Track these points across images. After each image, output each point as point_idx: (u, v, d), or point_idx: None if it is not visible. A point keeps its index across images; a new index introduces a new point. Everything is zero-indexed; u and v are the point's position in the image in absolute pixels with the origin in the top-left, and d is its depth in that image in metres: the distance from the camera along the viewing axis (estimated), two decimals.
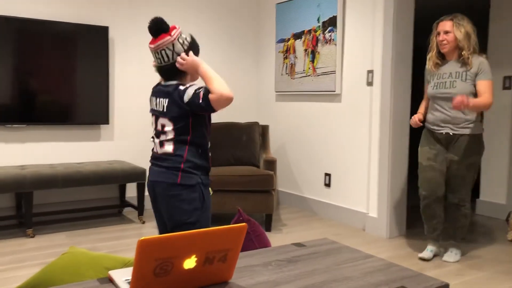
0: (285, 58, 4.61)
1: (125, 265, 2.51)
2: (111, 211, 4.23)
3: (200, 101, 1.83)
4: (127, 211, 4.29)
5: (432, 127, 3.10)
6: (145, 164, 4.38)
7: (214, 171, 3.74)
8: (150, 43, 1.93)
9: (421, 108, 3.23)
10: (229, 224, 3.40)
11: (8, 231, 3.59)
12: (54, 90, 3.85)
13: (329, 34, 4.07)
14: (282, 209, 4.54)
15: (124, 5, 4.21)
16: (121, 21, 4.21)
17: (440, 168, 3.05)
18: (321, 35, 4.15)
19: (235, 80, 4.92)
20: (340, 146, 4.07)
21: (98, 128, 4.17)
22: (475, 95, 2.94)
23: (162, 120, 1.95)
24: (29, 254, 3.09)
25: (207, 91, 1.84)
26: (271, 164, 3.84)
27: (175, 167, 1.92)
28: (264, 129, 4.41)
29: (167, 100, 1.92)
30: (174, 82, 1.94)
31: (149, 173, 2.02)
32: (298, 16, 4.41)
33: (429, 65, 3.11)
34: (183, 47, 1.93)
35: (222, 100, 1.82)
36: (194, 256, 1.22)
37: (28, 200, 3.42)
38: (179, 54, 1.91)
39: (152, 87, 2.03)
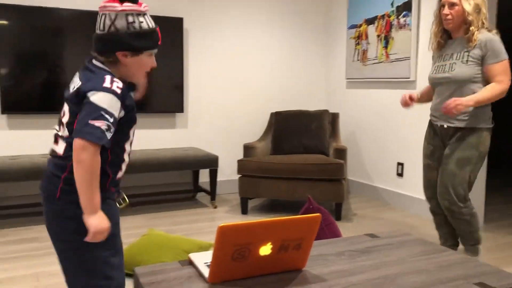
0: (357, 44, 4.52)
1: (200, 248, 2.63)
2: (185, 196, 4.41)
3: (90, 123, 1.36)
4: (200, 196, 4.46)
5: (431, 117, 2.70)
6: (217, 151, 4.52)
7: (282, 159, 3.79)
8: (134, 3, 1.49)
9: (421, 92, 2.83)
10: (299, 212, 3.44)
11: None
12: None
13: (404, 19, 3.93)
14: (352, 198, 4.50)
15: None
16: (195, 12, 4.33)
17: (438, 167, 2.66)
18: (395, 20, 4.02)
19: (305, 67, 4.91)
20: (414, 134, 3.95)
21: (174, 116, 4.35)
22: (484, 81, 2.47)
23: (64, 106, 1.51)
24: None
25: (88, 126, 1.36)
26: (341, 152, 3.81)
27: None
28: (334, 117, 4.37)
29: (79, 83, 1.46)
30: (104, 67, 1.48)
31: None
32: (371, 1, 4.29)
33: (431, 44, 2.67)
34: (128, 28, 1.45)
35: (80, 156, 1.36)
36: (270, 243, 1.26)
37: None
38: (118, 32, 1.45)
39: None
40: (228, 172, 4.59)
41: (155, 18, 4.03)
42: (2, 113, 3.66)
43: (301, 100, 4.89)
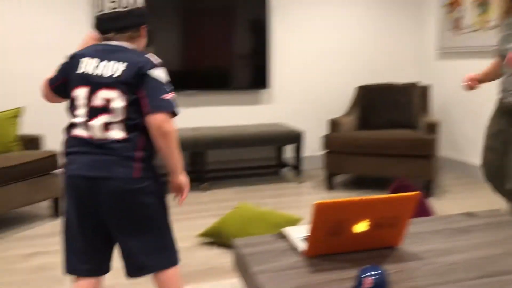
0: (450, 12, 4.25)
1: (288, 222, 2.69)
2: (270, 171, 4.51)
3: (165, 98, 1.49)
4: (285, 171, 4.53)
5: (501, 94, 2.42)
6: (302, 126, 4.54)
7: (368, 135, 3.72)
8: None
9: (484, 71, 2.54)
10: (388, 189, 3.38)
11: None
12: (218, 58, 4.17)
13: None
14: (444, 175, 4.31)
15: None
16: None
17: (502, 149, 2.41)
18: None
19: (393, 38, 4.72)
20: None
21: (258, 92, 4.42)
22: None
23: (105, 93, 1.50)
24: (205, 206, 3.49)
25: (166, 100, 1.50)
26: (432, 127, 3.65)
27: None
28: (425, 90, 4.19)
29: (125, 64, 1.50)
30: (128, 46, 1.56)
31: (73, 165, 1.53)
32: None
33: (499, 11, 2.38)
34: (144, 3, 1.60)
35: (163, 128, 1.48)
36: (365, 220, 1.28)
37: (202, 159, 3.84)
38: (142, 8, 1.58)
39: (76, 51, 1.59)
40: (313, 147, 4.60)
41: None
42: None
43: (388, 73, 4.73)
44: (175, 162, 1.56)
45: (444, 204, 3.44)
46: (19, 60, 3.79)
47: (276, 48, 4.40)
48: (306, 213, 3.26)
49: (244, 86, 4.30)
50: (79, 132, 1.53)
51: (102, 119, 1.50)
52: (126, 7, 1.55)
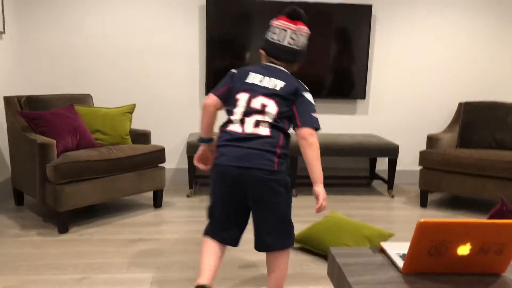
0: None
1: (380, 235, 2.69)
2: (361, 182, 4.48)
3: (313, 116, 1.90)
4: (376, 183, 4.47)
5: None
6: (398, 139, 4.45)
7: (472, 153, 3.57)
8: (287, 21, 2.00)
9: None
10: (488, 213, 3.22)
11: None
12: (317, 67, 4.23)
13: None
14: None
15: None
16: (384, 0, 4.29)
17: None
18: None
19: (500, 55, 4.46)
20: None
21: (355, 103, 4.41)
22: None
23: (263, 99, 1.90)
24: (293, 212, 3.57)
25: (314, 117, 1.91)
26: None
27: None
28: None
29: (284, 83, 1.93)
30: (286, 71, 2.00)
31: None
32: None
33: None
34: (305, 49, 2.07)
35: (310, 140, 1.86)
36: (469, 243, 1.27)
37: (292, 164, 3.92)
38: (304, 49, 2.04)
39: (241, 67, 2.03)
40: (407, 162, 4.50)
41: (345, 6, 4.14)
42: (206, 94, 4.19)
43: (495, 91, 4.48)
44: (317, 172, 1.87)
45: None
46: (134, 60, 4.15)
47: (377, 59, 4.36)
48: (396, 229, 3.22)
49: (342, 96, 4.32)
50: (233, 127, 1.90)
51: (255, 117, 1.87)
52: (300, 47, 2.01)
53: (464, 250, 1.29)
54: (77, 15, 4.01)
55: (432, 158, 3.66)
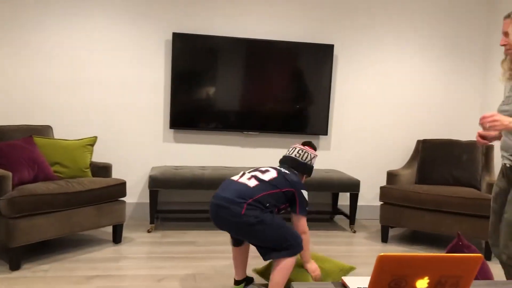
0: None
1: (341, 270, 2.69)
2: (324, 217, 4.51)
3: (301, 211, 2.54)
4: (338, 218, 4.51)
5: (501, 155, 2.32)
6: (359, 175, 4.54)
7: (429, 189, 3.67)
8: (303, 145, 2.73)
9: None
10: (445, 247, 3.30)
11: None
12: (281, 103, 4.31)
13: None
14: None
15: (348, 25, 4.45)
16: (346, 39, 4.45)
17: (500, 212, 2.30)
18: None
19: (457, 94, 4.69)
20: None
21: (317, 138, 4.50)
22: None
23: (269, 169, 2.56)
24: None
25: (303, 207, 2.54)
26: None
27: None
28: (488, 149, 4.10)
29: (279, 176, 2.50)
30: (295, 174, 2.59)
31: None
32: None
33: (501, 75, 2.29)
34: (311, 164, 2.70)
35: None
36: (427, 277, 1.29)
37: None
38: (310, 165, 2.69)
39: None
40: (368, 197, 4.58)
41: (308, 45, 4.27)
42: (170, 128, 4.17)
43: (451, 129, 4.68)
44: (307, 254, 2.55)
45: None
46: (97, 92, 4.11)
47: (338, 96, 4.49)
48: (357, 263, 3.24)
49: (305, 131, 4.39)
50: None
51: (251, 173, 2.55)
52: (304, 161, 2.67)
53: (422, 283, 1.31)
54: (38, 44, 3.96)
55: (391, 194, 3.74)
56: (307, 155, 2.67)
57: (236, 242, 2.67)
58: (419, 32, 4.58)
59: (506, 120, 1.99)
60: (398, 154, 4.61)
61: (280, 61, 4.28)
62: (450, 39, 4.63)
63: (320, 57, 4.33)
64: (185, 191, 4.26)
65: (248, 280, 2.76)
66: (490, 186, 3.60)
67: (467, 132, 4.70)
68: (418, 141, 4.37)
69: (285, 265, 2.38)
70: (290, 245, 2.38)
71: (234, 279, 2.73)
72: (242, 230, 2.36)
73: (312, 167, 2.70)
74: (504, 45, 2.23)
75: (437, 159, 4.06)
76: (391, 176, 3.95)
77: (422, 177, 4.07)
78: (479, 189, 3.86)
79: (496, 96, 4.54)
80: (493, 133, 2.27)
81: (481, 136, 2.27)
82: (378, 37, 4.51)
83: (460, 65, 4.68)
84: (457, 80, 4.68)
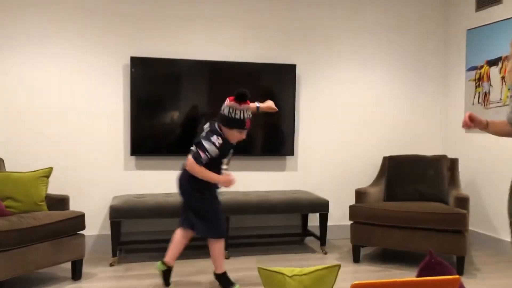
0: (477, 86, 4.28)
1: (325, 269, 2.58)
2: (294, 239, 4.41)
3: (192, 154, 2.94)
4: (309, 240, 4.42)
5: None
6: (328, 195, 4.48)
7: (399, 206, 3.64)
8: (244, 103, 2.91)
9: (496, 120, 2.49)
10: (418, 265, 3.25)
11: (206, 251, 4.01)
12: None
13: None
14: (475, 251, 4.14)
15: (309, 44, 4.45)
16: (308, 59, 4.45)
17: None
18: None
19: (420, 111, 4.74)
20: None
21: (284, 159, 4.43)
22: None
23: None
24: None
25: (197, 154, 2.91)
26: (463, 201, 3.56)
27: None
28: (453, 163, 4.13)
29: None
30: (218, 129, 2.95)
31: None
32: (493, 42, 4.07)
33: (508, 80, 2.32)
34: (228, 114, 2.93)
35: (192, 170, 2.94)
36: None
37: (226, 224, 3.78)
38: (225, 115, 2.93)
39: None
40: (338, 217, 4.52)
41: (270, 66, 4.23)
42: (131, 155, 4.02)
43: (416, 145, 4.71)
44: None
45: (477, 284, 3.27)
46: (52, 120, 3.92)
47: (303, 116, 4.46)
48: None
49: (271, 153, 4.32)
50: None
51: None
52: (222, 112, 2.94)
53: None
54: None
55: (360, 212, 3.69)
56: (228, 108, 2.89)
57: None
58: (381, 51, 4.63)
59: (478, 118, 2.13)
60: (365, 171, 4.60)
61: (243, 83, 4.21)
62: (411, 58, 4.70)
63: (283, 77, 4.30)
64: (149, 220, 4.08)
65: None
66: (457, 200, 3.60)
67: (432, 147, 4.75)
68: (385, 158, 4.37)
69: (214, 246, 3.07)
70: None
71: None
72: None
73: (225, 115, 2.88)
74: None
75: (404, 175, 4.05)
76: (360, 194, 3.90)
77: (390, 194, 4.05)
78: (447, 203, 3.86)
79: (456, 111, 4.61)
80: (484, 121, 2.36)
81: (470, 118, 2.35)
82: (340, 55, 4.53)
83: (421, 82, 4.75)
84: (419, 97, 4.74)
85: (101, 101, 4.01)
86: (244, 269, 3.54)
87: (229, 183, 2.96)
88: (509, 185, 2.38)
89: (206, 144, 2.86)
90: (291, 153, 4.35)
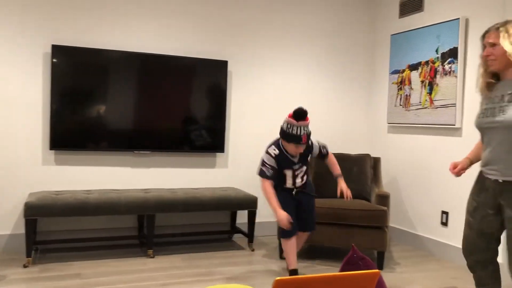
0: (400, 89, 4.49)
1: None
2: (222, 237, 4.38)
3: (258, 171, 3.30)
4: (237, 237, 4.41)
5: (481, 168, 2.39)
6: (257, 192, 4.49)
7: (324, 203, 3.72)
8: (301, 121, 3.12)
9: (472, 150, 2.55)
10: (342, 260, 3.34)
11: (131, 250, 3.87)
12: (175, 120, 4.14)
13: (449, 65, 3.89)
14: (394, 246, 4.34)
15: (242, 41, 4.44)
16: (239, 56, 4.43)
17: (478, 227, 2.39)
18: (440, 66, 3.99)
19: (346, 111, 4.89)
20: (460, 183, 3.82)
21: (214, 156, 4.38)
22: None
23: None
24: (150, 274, 3.30)
25: (259, 169, 3.28)
26: (384, 199, 3.72)
27: None
28: (376, 162, 4.30)
29: None
30: (278, 140, 3.31)
31: None
32: (415, 47, 4.28)
33: (478, 85, 2.40)
34: (286, 129, 3.17)
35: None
36: None
37: (151, 222, 3.67)
38: (283, 130, 3.19)
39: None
40: (266, 213, 4.54)
41: (202, 61, 4.16)
42: (51, 149, 3.78)
43: (341, 144, 4.85)
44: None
45: (396, 277, 3.42)
46: None
47: (234, 113, 4.43)
48: (257, 284, 3.14)
49: (201, 149, 4.25)
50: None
51: None
52: (282, 126, 3.22)
53: None
54: None
55: None
56: (283, 120, 3.19)
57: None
58: (312, 52, 4.71)
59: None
60: None
61: (174, 77, 4.11)
62: (340, 59, 4.83)
63: (214, 73, 4.25)
64: (68, 218, 3.87)
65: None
66: (379, 197, 3.75)
67: (358, 146, 4.91)
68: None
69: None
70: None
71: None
72: None
73: (283, 130, 3.15)
74: (487, 55, 2.29)
75: (330, 173, 4.14)
76: None
77: (316, 191, 4.12)
78: (369, 201, 4.00)
79: (379, 112, 4.81)
80: (465, 160, 2.51)
81: (454, 167, 2.50)
82: (272, 54, 4.55)
83: (349, 83, 4.89)
84: (347, 97, 4.88)
85: (19, 91, 3.73)
86: (169, 268, 3.45)
87: (281, 222, 3.10)
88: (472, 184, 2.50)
89: (263, 156, 3.23)
90: (221, 149, 4.32)
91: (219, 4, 4.34)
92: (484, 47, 2.34)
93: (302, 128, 3.10)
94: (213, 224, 4.37)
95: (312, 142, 3.31)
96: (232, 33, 4.40)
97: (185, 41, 4.23)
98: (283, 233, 3.23)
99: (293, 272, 3.26)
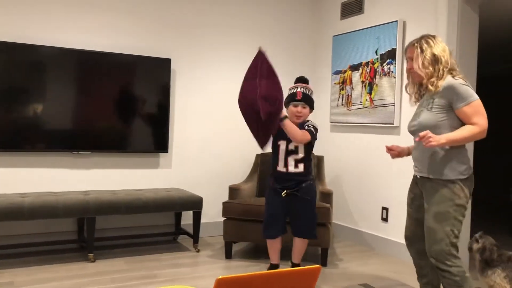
0: (341, 89, 4.60)
1: None
2: (166, 238, 4.30)
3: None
4: (182, 238, 4.35)
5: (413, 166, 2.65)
6: (202, 192, 4.45)
7: (262, 201, 3.74)
8: (304, 83, 3.24)
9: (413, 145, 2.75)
10: (289, 258, 3.36)
11: (69, 255, 3.72)
12: (116, 119, 4.02)
13: (388, 66, 4.03)
14: (337, 242, 4.45)
15: (186, 38, 4.38)
16: (183, 53, 4.37)
17: (416, 216, 2.63)
18: (379, 67, 4.12)
19: None
20: (398, 179, 3.97)
21: (157, 156, 4.29)
22: (454, 127, 2.41)
23: None
24: (91, 279, 3.18)
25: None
26: (327, 196, 3.79)
27: None
28: (319, 160, 4.38)
29: None
30: None
31: None
32: (356, 48, 4.41)
33: (410, 96, 2.68)
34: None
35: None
36: None
37: (91, 225, 3.54)
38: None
39: None
40: (212, 214, 4.51)
41: (144, 59, 4.07)
42: None
43: None
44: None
45: (339, 273, 3.50)
46: None
47: (178, 112, 4.37)
48: (202, 285, 3.11)
49: (143, 149, 4.15)
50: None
51: None
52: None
53: None
54: None
55: (233, 208, 3.72)
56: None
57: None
58: (255, 50, 4.71)
59: (437, 137, 2.29)
60: (240, 168, 4.66)
61: (114, 75, 3.99)
62: (285, 59, 4.88)
63: (157, 71, 4.16)
64: (1, 223, 3.65)
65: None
66: (322, 194, 3.82)
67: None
68: (257, 155, 4.47)
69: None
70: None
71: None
72: None
73: (288, 95, 3.18)
74: (410, 69, 2.56)
75: None
76: (233, 190, 3.94)
77: (262, 190, 4.15)
78: None
79: (322, 112, 4.91)
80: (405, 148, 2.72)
81: (388, 150, 2.72)
82: (216, 53, 4.52)
83: (292, 82, 4.93)
84: None
85: None
86: (112, 272, 3.34)
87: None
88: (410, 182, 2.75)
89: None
90: (165, 149, 4.24)
91: (165, 0, 4.26)
92: (407, 60, 2.60)
93: (298, 87, 3.17)
94: (158, 226, 4.29)
95: (308, 125, 3.14)
96: (177, 31, 4.33)
97: (128, 38, 4.12)
98: (263, 232, 3.23)
99: (273, 266, 3.30)
